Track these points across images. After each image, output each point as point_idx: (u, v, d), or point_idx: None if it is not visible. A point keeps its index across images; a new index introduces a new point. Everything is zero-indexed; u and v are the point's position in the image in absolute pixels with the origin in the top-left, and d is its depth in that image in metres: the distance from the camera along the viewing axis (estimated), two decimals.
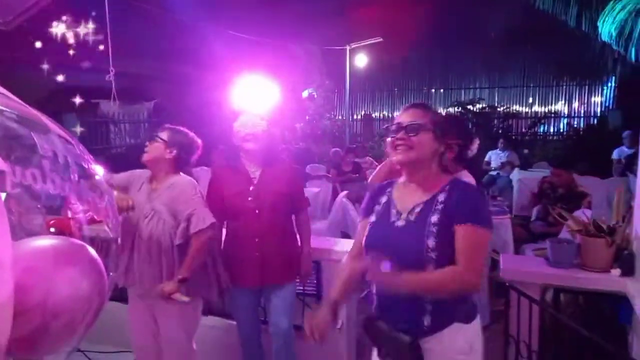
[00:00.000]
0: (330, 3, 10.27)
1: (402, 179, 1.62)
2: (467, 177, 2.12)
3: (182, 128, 2.41)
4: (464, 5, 10.75)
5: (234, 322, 3.11)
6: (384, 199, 1.64)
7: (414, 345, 1.47)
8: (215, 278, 2.37)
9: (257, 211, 2.40)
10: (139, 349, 2.42)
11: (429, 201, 1.51)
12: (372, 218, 1.62)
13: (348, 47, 11.03)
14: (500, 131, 10.83)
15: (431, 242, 1.44)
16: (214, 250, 2.39)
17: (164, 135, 2.30)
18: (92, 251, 0.91)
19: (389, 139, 1.54)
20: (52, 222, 3.92)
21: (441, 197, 1.50)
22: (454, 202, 1.47)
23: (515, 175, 7.43)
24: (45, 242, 0.86)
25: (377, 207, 1.63)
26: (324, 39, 10.79)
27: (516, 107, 12.54)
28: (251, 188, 2.42)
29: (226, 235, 2.54)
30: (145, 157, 2.31)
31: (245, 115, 2.46)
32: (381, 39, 10.68)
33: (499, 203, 5.05)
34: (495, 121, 11.40)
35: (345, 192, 5.31)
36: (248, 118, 2.44)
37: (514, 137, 11.05)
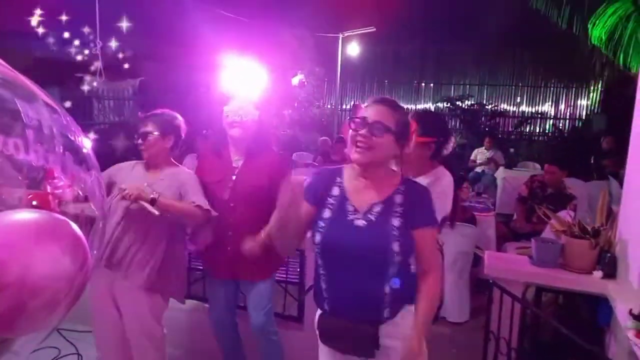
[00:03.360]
0: None
1: (352, 166, 1.59)
2: (444, 174, 2.09)
3: (164, 111, 2.34)
4: (458, 1, 10.73)
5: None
6: (335, 191, 1.59)
7: (377, 334, 1.54)
8: (184, 280, 2.40)
9: (232, 204, 2.30)
10: (101, 335, 2.35)
11: (387, 202, 1.53)
12: (326, 213, 1.57)
13: (341, 35, 10.93)
14: (487, 129, 10.89)
15: (396, 247, 1.49)
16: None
17: (155, 127, 2.24)
18: (75, 228, 0.86)
19: (350, 132, 1.52)
20: (30, 196, 3.81)
21: (398, 199, 1.54)
22: (413, 206, 1.53)
23: (500, 173, 7.49)
24: (26, 216, 0.81)
25: (330, 200, 1.58)
26: (316, 25, 10.66)
27: (504, 106, 12.61)
28: (232, 178, 2.33)
29: None
30: (146, 155, 2.26)
31: (236, 100, 2.33)
32: (374, 29, 10.60)
33: (484, 200, 5.08)
34: (483, 119, 11.46)
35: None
36: (239, 104, 2.31)
37: (500, 136, 11.14)
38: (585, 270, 2.41)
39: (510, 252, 3.90)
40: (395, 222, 1.50)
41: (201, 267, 3.25)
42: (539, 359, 2.58)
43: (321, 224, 1.56)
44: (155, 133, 2.23)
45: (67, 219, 0.86)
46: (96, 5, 3.42)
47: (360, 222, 1.52)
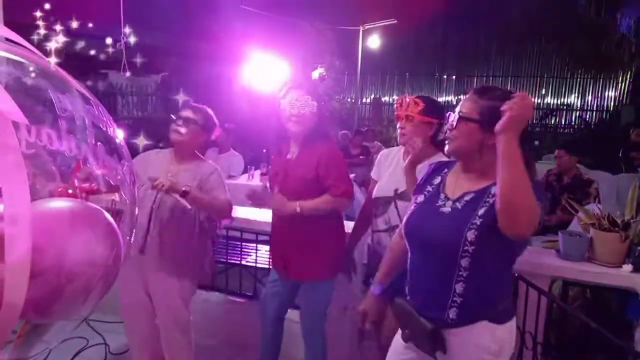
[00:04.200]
0: None
1: (458, 164, 1.58)
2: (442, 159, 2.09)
3: (205, 107, 2.35)
4: None
5: (237, 299, 3.14)
6: (437, 180, 1.59)
7: (436, 334, 1.44)
8: (208, 264, 2.40)
9: (283, 195, 2.24)
10: (132, 322, 2.40)
11: (481, 191, 1.45)
12: (420, 198, 1.58)
13: (361, 28, 10.83)
14: None
15: (471, 235, 1.38)
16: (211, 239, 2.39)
17: (198, 117, 2.23)
18: (108, 216, 0.88)
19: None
20: (59, 190, 3.91)
21: (494, 190, 1.39)
22: None
23: None
24: (61, 204, 0.83)
25: (429, 188, 1.59)
26: (337, 18, 10.60)
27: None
28: (282, 170, 2.29)
29: None
30: (178, 138, 2.22)
31: (292, 92, 2.21)
32: (395, 21, 10.47)
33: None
34: None
35: (351, 176, 5.26)
36: (296, 97, 2.19)
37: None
38: (615, 263, 2.35)
39: (536, 245, 3.83)
40: (481, 211, 1.40)
41: (224, 260, 3.31)
42: (566, 353, 2.54)
43: (412, 207, 1.58)
44: (196, 125, 2.22)
45: (100, 208, 0.88)
46: (121, 2, 3.47)
47: (447, 209, 1.48)
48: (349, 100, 12.82)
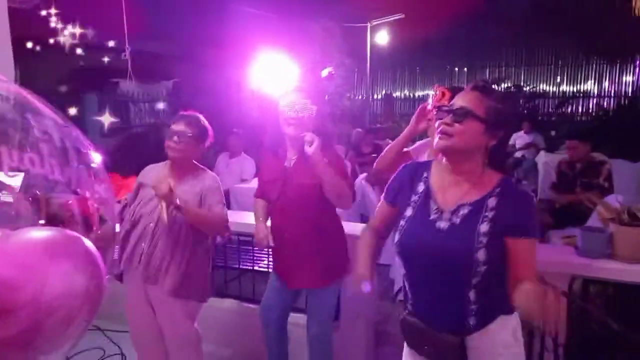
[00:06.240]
0: None
1: (440, 161, 1.47)
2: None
3: (198, 115, 2.31)
4: None
5: (251, 305, 3.11)
6: (420, 187, 1.47)
7: (463, 346, 1.40)
8: (209, 284, 2.37)
9: (280, 205, 2.21)
10: (138, 335, 2.38)
11: (478, 204, 1.37)
12: (408, 211, 1.45)
13: (369, 24, 10.75)
14: (525, 111, 10.50)
15: (482, 255, 1.33)
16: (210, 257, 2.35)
17: (189, 129, 2.19)
18: (88, 243, 0.85)
19: (437, 122, 1.40)
20: (70, 202, 3.89)
21: (492, 202, 1.36)
22: (509, 212, 1.35)
23: (541, 157, 7.20)
24: (38, 234, 0.81)
25: (414, 197, 1.46)
26: (344, 15, 10.53)
27: (543, 87, 12.11)
28: (281, 178, 2.22)
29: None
30: (174, 155, 2.18)
31: (291, 94, 2.15)
32: (403, 16, 10.37)
33: (524, 187, 4.88)
34: (521, 101, 11.05)
35: (364, 175, 5.20)
36: (295, 99, 2.13)
37: (540, 118, 10.71)
38: (637, 260, 2.25)
39: (554, 241, 3.73)
40: (483, 227, 1.34)
41: (236, 266, 3.29)
42: (588, 354, 2.45)
43: (402, 222, 1.46)
44: (189, 137, 2.17)
45: (80, 236, 0.85)
46: (123, 11, 3.48)
47: (443, 224, 1.38)
48: (359, 97, 12.73)
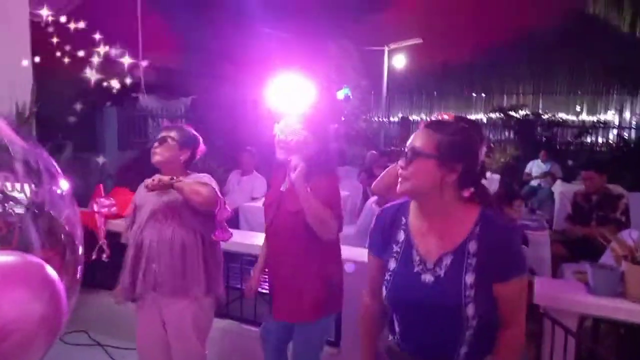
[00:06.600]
0: (368, 2, 10.12)
1: (415, 205, 1.42)
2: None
3: (187, 127, 2.35)
4: (508, 7, 10.36)
5: (251, 328, 3.05)
6: (400, 236, 1.41)
7: None
8: (223, 278, 2.37)
9: (273, 229, 2.16)
10: (144, 350, 2.37)
11: (458, 251, 1.31)
12: (392, 264, 1.41)
13: (387, 48, 10.83)
14: (544, 139, 10.37)
15: (471, 311, 1.28)
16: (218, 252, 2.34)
17: (174, 135, 2.24)
18: (49, 270, 0.83)
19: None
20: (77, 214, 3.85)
21: (472, 247, 1.30)
22: (492, 255, 1.29)
23: (557, 187, 7.08)
24: None
25: (395, 248, 1.41)
26: (362, 39, 10.64)
27: (562, 115, 11.97)
28: (275, 202, 2.16)
29: None
30: (158, 159, 2.22)
31: (285, 119, 2.14)
32: (421, 41, 10.43)
33: (538, 217, 4.79)
34: (539, 129, 10.93)
35: (374, 198, 5.15)
36: (286, 123, 2.11)
37: (558, 147, 10.56)
38: None
39: (568, 275, 3.62)
40: (469, 278, 1.28)
41: (239, 286, 3.25)
42: None
43: (387, 276, 1.40)
44: (173, 142, 2.22)
45: (41, 262, 0.84)
46: (139, 26, 3.56)
47: (427, 277, 1.33)
48: (375, 119, 12.75)
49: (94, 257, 3.01)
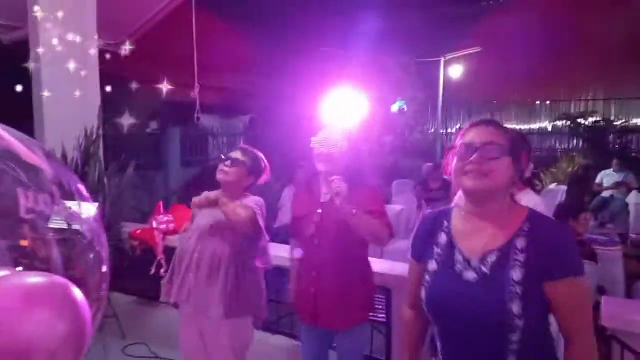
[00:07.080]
0: (425, 14, 10.00)
1: (459, 207, 1.36)
2: (529, 196, 1.84)
3: (256, 151, 2.37)
4: (575, 8, 9.84)
5: (299, 343, 3.04)
6: (442, 238, 1.35)
7: None
8: (265, 298, 2.35)
9: (316, 241, 2.16)
10: (187, 357, 2.40)
11: (505, 247, 1.23)
12: (432, 265, 1.34)
13: (443, 59, 10.63)
14: (617, 146, 9.67)
15: (516, 307, 1.17)
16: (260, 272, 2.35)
17: (247, 160, 2.26)
18: (74, 290, 0.86)
19: (455, 163, 1.28)
20: (138, 231, 4.01)
21: (520, 243, 1.22)
22: (542, 251, 1.20)
23: (632, 198, 6.55)
24: (21, 279, 0.83)
25: (436, 249, 1.35)
26: (418, 50, 10.51)
27: (636, 121, 11.11)
28: (317, 213, 2.17)
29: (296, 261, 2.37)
30: (224, 178, 2.25)
31: (324, 131, 2.16)
32: (480, 49, 10.14)
33: (609, 231, 4.44)
34: (611, 136, 10.21)
35: (429, 211, 5.01)
36: (326, 135, 2.13)
37: (633, 155, 9.80)
38: None
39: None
40: (515, 274, 1.19)
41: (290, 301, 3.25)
42: None
43: (427, 277, 1.34)
44: (244, 167, 2.25)
45: (67, 281, 0.87)
46: (194, 50, 3.73)
47: (471, 275, 1.25)
48: (431, 131, 12.49)
49: (152, 271, 3.12)
